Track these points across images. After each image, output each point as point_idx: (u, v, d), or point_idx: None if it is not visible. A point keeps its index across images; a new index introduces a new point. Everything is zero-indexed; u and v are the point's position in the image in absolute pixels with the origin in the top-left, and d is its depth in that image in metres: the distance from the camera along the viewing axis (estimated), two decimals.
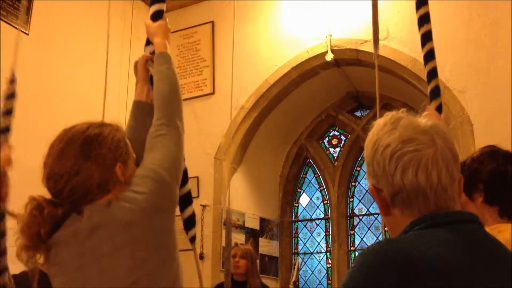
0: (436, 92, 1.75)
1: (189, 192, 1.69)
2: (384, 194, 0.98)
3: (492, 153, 1.61)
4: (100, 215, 1.26)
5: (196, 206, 4.94)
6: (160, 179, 1.32)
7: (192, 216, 1.71)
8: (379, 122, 1.03)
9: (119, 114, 4.89)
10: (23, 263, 1.28)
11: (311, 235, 5.76)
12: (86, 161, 1.28)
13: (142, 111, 1.61)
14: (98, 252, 1.23)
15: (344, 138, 5.81)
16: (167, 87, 1.51)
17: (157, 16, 1.72)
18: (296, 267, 5.40)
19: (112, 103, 4.88)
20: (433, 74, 1.78)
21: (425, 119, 1.00)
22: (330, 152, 5.85)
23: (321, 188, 5.83)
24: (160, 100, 1.49)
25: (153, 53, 1.67)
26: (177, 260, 1.33)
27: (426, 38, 1.80)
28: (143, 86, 1.66)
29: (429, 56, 1.81)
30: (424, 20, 1.79)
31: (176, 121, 1.46)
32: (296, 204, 5.93)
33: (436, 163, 0.94)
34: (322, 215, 5.76)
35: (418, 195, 0.94)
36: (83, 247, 1.24)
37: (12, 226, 3.81)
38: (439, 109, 1.70)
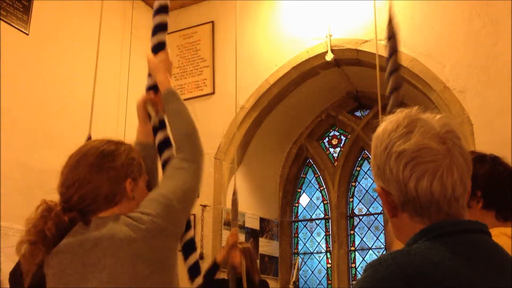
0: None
1: (192, 240, 1.61)
2: (393, 198, 0.97)
3: (480, 158, 1.61)
4: (106, 228, 1.29)
5: (196, 206, 4.97)
6: (168, 203, 1.35)
7: (197, 263, 1.62)
8: (391, 120, 1.00)
9: (118, 113, 4.89)
10: (19, 255, 1.30)
11: (311, 235, 5.75)
12: (97, 173, 1.36)
13: (144, 152, 1.59)
14: (100, 264, 1.25)
15: (344, 138, 5.81)
16: (184, 125, 1.53)
17: (158, 48, 1.67)
18: (296, 267, 5.41)
19: (112, 102, 4.88)
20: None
21: (439, 121, 0.98)
22: (330, 152, 5.85)
23: (321, 188, 5.83)
24: (181, 140, 1.52)
25: (152, 88, 1.65)
26: (176, 283, 1.37)
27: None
28: (144, 127, 1.65)
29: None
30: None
31: (198, 157, 1.50)
32: (296, 204, 5.93)
33: (451, 174, 0.93)
34: (322, 215, 5.76)
35: (431, 205, 0.94)
36: (86, 257, 1.27)
37: (9, 225, 3.82)
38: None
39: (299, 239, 5.80)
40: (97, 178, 1.35)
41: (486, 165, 1.58)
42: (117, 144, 1.43)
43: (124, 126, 4.83)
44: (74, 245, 1.29)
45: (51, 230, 1.29)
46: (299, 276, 5.59)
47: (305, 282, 5.64)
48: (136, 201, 1.39)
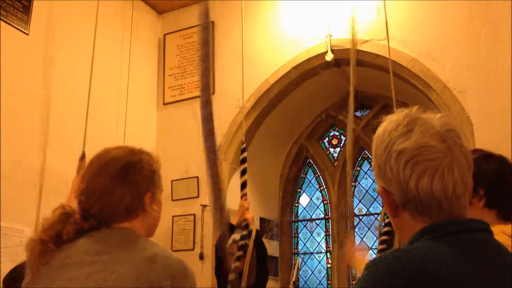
0: None
1: None
2: (395, 198, 0.97)
3: (486, 156, 1.61)
4: (135, 245, 1.27)
5: (196, 206, 4.97)
6: None
7: None
8: (391, 119, 1.00)
9: (118, 113, 4.89)
10: (27, 252, 1.28)
11: (311, 235, 5.75)
12: (122, 185, 1.33)
13: None
14: (110, 268, 1.21)
15: (344, 138, 5.81)
16: None
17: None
18: (296, 267, 5.40)
19: (112, 102, 4.88)
20: None
21: (439, 120, 0.97)
22: (330, 152, 5.85)
23: (321, 188, 5.83)
24: None
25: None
26: None
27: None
28: None
29: None
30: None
31: None
32: (296, 204, 5.93)
33: (452, 172, 0.93)
34: (322, 215, 5.76)
35: (432, 204, 0.93)
36: (99, 255, 1.23)
37: (9, 225, 3.81)
38: None
39: (299, 239, 5.80)
40: (120, 190, 1.32)
41: (492, 164, 1.58)
42: (140, 155, 1.40)
43: (124, 126, 4.83)
44: (93, 240, 1.27)
45: (69, 235, 1.28)
46: (299, 276, 5.58)
47: (305, 282, 5.64)
48: (152, 215, 1.37)
